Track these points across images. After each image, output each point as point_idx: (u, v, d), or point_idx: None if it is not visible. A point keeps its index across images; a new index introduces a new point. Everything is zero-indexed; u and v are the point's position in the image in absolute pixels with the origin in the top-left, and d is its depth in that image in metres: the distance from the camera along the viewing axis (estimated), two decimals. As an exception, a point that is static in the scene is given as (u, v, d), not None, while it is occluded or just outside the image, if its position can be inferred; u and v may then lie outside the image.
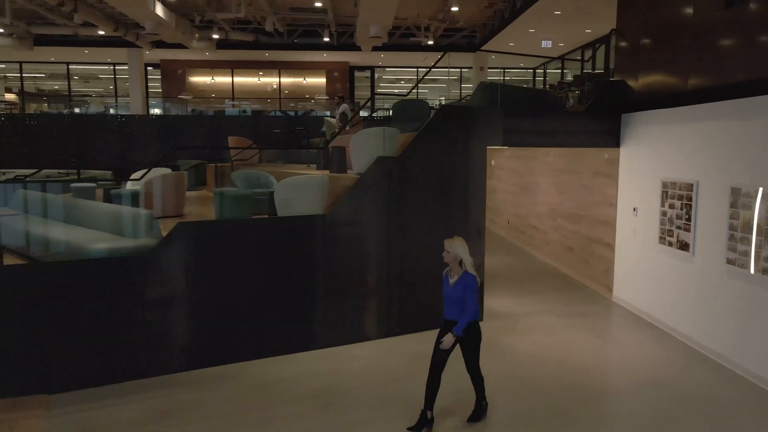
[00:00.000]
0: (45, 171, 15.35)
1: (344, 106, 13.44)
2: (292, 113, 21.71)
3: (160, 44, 19.00)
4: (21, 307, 5.26)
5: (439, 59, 17.45)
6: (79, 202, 6.94)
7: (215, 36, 17.58)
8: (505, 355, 6.53)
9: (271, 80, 22.85)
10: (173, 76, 21.95)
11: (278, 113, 21.81)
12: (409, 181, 7.09)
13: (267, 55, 20.69)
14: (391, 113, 12.61)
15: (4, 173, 16.44)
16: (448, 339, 4.59)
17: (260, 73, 22.76)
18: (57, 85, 30.42)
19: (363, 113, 18.35)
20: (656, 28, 7.75)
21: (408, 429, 4.70)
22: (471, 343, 4.75)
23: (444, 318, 4.80)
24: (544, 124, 8.10)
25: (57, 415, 4.97)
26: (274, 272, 6.33)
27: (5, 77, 27.92)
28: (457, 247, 4.68)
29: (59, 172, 16.76)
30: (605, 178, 9.03)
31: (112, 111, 23.86)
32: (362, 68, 23.37)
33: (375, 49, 18.10)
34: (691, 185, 6.76)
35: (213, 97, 22.80)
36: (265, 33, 19.15)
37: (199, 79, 22.45)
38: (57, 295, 5.36)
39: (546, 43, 17.39)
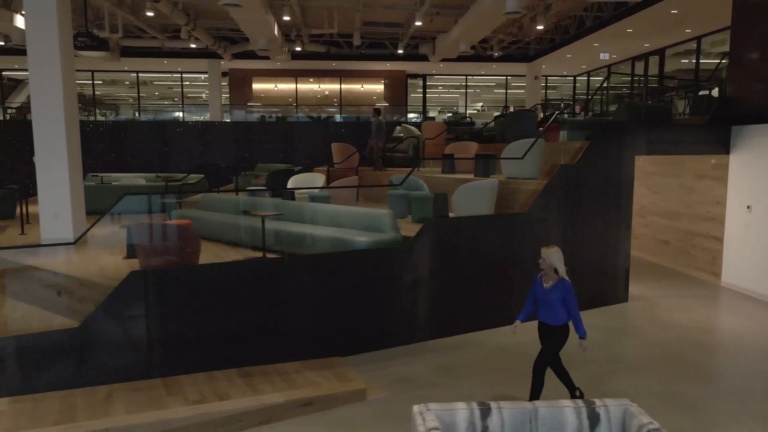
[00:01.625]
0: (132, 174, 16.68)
1: (379, 119, 14.19)
2: (355, 119, 23.03)
3: (238, 55, 20.28)
4: (309, 288, 6.56)
5: (478, 68, 18.82)
6: (317, 206, 8.24)
7: (298, 48, 18.87)
8: (668, 329, 7.96)
9: (330, 87, 24.16)
10: (240, 84, 23.18)
11: (343, 118, 23.08)
12: (580, 184, 8.50)
13: (334, 64, 22.01)
14: (493, 124, 13.93)
15: (100, 176, 17.66)
16: (585, 345, 5.12)
17: (310, 80, 24.06)
18: (112, 91, 31.56)
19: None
20: (770, 54, 9.24)
21: None
22: (559, 338, 5.16)
23: (538, 319, 5.26)
24: (672, 135, 9.56)
25: (366, 371, 6.31)
26: (489, 261, 7.71)
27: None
28: (553, 256, 5.09)
29: (157, 176, 18.03)
30: (712, 180, 10.51)
31: (178, 116, 25.05)
32: (415, 76, 24.74)
33: (444, 60, 19.51)
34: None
35: (294, 104, 23.96)
36: (336, 44, 20.52)
37: (263, 87, 23.70)
38: (331, 279, 6.67)
39: (604, 55, 18.89)
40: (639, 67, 19.94)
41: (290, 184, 11.46)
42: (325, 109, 24.33)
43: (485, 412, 3.76)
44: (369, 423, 5.19)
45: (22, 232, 10.02)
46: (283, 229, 7.79)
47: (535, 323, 5.38)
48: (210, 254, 7.60)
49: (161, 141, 20.44)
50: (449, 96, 30.43)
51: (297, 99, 23.76)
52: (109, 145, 20.26)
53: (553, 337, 5.14)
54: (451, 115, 27.02)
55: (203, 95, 30.48)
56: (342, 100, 24.19)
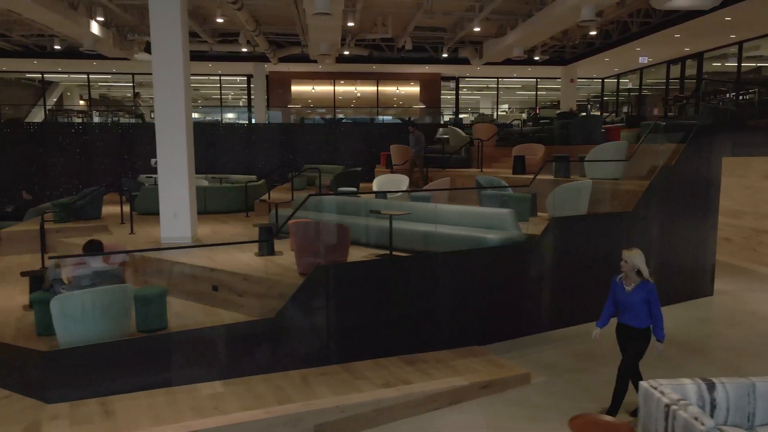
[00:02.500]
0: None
1: (418, 134, 14.45)
2: (394, 120, 23.53)
3: (283, 58, 20.72)
4: (452, 282, 7.05)
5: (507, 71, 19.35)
6: (440, 206, 8.72)
7: (346, 52, 19.33)
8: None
9: (366, 89, 24.65)
10: (280, 86, 23.61)
11: (384, 120, 23.55)
12: (676, 185, 9.04)
13: (374, 67, 22.50)
14: (557, 127, 14.43)
15: (153, 178, 18.03)
16: (661, 348, 5.10)
17: (341, 82, 24.54)
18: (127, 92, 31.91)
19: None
20: None
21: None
22: (644, 344, 5.12)
23: (619, 322, 5.25)
24: (756, 137, 10.13)
25: (510, 358, 6.81)
26: (602, 257, 8.23)
27: (79, 85, 29.39)
28: (635, 258, 5.07)
29: (213, 177, 18.44)
30: (781, 180, 11.12)
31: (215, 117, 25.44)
32: (448, 78, 25.27)
33: (486, 63, 20.04)
34: None
35: (332, 106, 24.38)
36: (378, 47, 21.02)
37: (301, 89, 24.14)
38: (468, 274, 7.16)
39: (643, 59, 19.48)
40: (674, 70, 20.56)
41: (375, 184, 11.95)
42: (363, 110, 24.80)
43: (711, 387, 4.28)
44: (543, 402, 5.70)
45: (132, 232, 10.46)
46: (405, 228, 8.27)
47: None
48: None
49: (207, 142, 20.84)
50: (472, 98, 31.01)
51: (335, 101, 24.22)
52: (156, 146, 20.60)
53: (638, 342, 5.09)
54: (476, 116, 27.59)
55: (229, 96, 30.97)
56: (386, 103, 24.71)
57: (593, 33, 16.20)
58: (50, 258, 5.93)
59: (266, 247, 8.35)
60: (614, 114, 25.12)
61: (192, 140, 9.70)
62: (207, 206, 13.31)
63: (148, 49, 18.52)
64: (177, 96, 9.25)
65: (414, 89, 24.68)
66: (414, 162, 14.79)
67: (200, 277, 7.46)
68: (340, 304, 6.23)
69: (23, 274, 7.48)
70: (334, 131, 21.67)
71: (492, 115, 28.09)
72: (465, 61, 20.98)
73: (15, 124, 21.23)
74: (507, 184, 10.89)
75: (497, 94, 26.13)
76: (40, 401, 4.90)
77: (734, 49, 17.44)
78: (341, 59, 21.16)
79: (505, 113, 27.73)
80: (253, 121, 22.91)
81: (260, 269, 7.30)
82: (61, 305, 5.35)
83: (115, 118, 23.96)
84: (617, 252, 5.19)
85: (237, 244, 8.56)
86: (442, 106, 25.30)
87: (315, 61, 20.20)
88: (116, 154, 20.39)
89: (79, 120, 24.15)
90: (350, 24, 15.33)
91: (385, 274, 6.60)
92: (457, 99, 25.78)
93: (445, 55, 20.05)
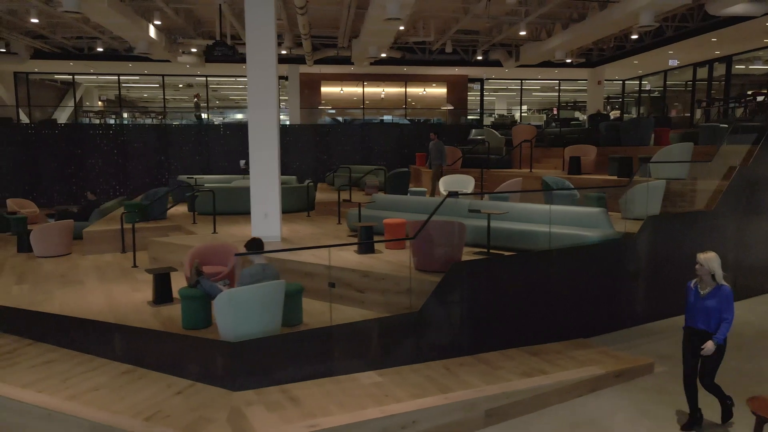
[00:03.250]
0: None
1: (439, 142, 13.96)
2: (423, 121, 23.88)
3: (318, 60, 20.99)
4: (558, 277, 7.43)
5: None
6: (532, 206, 9.08)
7: (383, 55, 19.65)
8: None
9: (393, 90, 24.98)
10: (309, 87, 23.88)
11: (412, 121, 23.88)
12: (752, 184, 9.47)
13: (405, 69, 22.84)
14: (603, 129, 14.81)
15: (194, 178, 18.29)
16: (710, 346, 4.94)
17: (364, 84, 24.88)
18: (146, 93, 32.10)
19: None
20: None
21: (681, 429, 5.23)
22: (718, 353, 5.02)
23: (689, 326, 5.23)
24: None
25: (622, 349, 7.18)
26: (689, 252, 8.62)
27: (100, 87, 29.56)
28: (711, 262, 5.00)
29: (244, 178, 18.68)
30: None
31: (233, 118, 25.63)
32: (473, 80, 25.66)
33: (520, 66, 20.45)
34: None
35: (363, 108, 24.68)
36: (410, 50, 21.36)
37: (329, 90, 24.43)
38: (572, 269, 7.53)
39: (673, 62, 19.97)
40: (701, 73, 21.07)
41: (441, 184, 12.30)
42: (392, 111, 25.13)
43: None
44: (674, 389, 6.07)
45: (214, 231, 10.74)
46: (498, 226, 8.62)
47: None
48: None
49: (243, 143, 21.06)
50: (487, 99, 31.45)
51: (364, 102, 24.53)
52: (193, 147, 20.87)
53: (715, 351, 4.98)
54: (496, 117, 28.01)
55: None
56: (414, 104, 25.06)
57: (635, 37, 16.63)
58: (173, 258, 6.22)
59: (368, 246, 8.68)
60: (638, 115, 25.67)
61: (278, 146, 9.99)
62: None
63: (189, 51, 18.77)
64: (269, 100, 9.55)
65: (439, 90, 25.06)
66: (438, 173, 13.84)
67: (315, 275, 7.77)
68: (473, 298, 6.57)
69: (149, 271, 7.76)
70: (367, 132, 21.99)
71: (512, 116, 28.55)
72: (496, 64, 21.38)
73: (50, 124, 21.37)
74: (571, 185, 11.30)
75: (520, 95, 26.56)
76: (225, 389, 5.20)
77: (761, 53, 17.99)
78: (374, 61, 21.49)
79: (526, 114, 28.15)
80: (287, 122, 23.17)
81: (376, 266, 7.62)
82: (230, 299, 5.65)
83: (147, 119, 24.20)
84: (700, 250, 5.20)
85: (354, 244, 8.81)
86: (469, 108, 25.68)
87: (346, 63, 20.55)
88: (153, 155, 20.59)
89: (98, 121, 24.34)
90: (401, 28, 15.66)
91: (506, 269, 6.96)
92: (481, 100, 26.18)
93: (479, 58, 20.42)
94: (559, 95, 26.88)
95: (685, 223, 8.70)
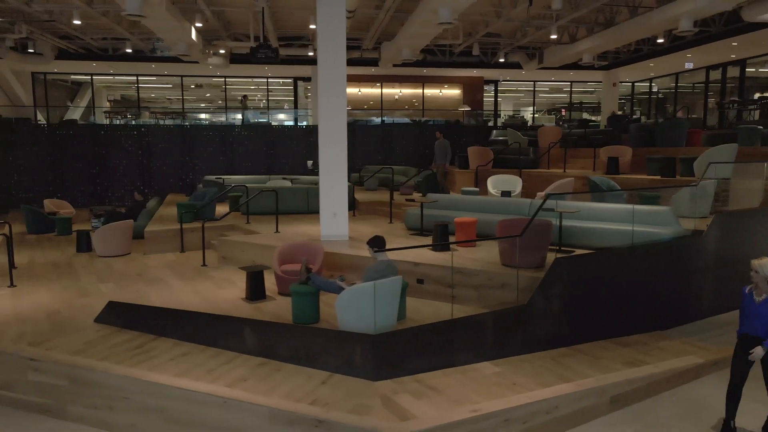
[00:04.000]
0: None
1: (444, 141, 14.36)
2: (443, 122, 24.20)
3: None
4: (637, 272, 7.78)
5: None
6: (601, 205, 9.44)
7: (415, 57, 19.92)
8: None
9: (410, 92, 25.30)
10: (328, 88, 24.06)
11: (434, 122, 24.20)
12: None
13: (425, 71, 23.15)
14: (634, 130, 15.27)
15: (223, 179, 18.47)
16: (758, 351, 4.88)
17: (376, 85, 25.18)
18: (153, 93, 32.10)
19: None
20: None
21: None
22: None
23: (743, 332, 5.14)
24: None
25: (701, 340, 7.56)
26: (754, 248, 9.05)
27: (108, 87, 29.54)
28: (766, 268, 4.95)
29: (284, 178, 18.89)
30: None
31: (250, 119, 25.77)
32: (488, 81, 26.05)
33: (541, 68, 20.87)
34: None
35: (382, 109, 24.91)
36: (431, 52, 21.66)
37: (347, 91, 24.65)
38: (648, 264, 7.90)
39: (689, 65, 20.53)
40: (713, 75, 21.67)
41: (489, 184, 12.63)
42: (407, 112, 25.43)
43: None
44: (766, 377, 6.46)
45: (277, 231, 10.96)
46: (570, 225, 8.97)
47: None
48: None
49: (267, 143, 21.26)
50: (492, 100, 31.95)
51: (382, 103, 24.81)
52: (218, 148, 20.98)
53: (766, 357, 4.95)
54: (506, 119, 28.44)
55: (257, 98, 31.36)
56: (429, 105, 25.39)
57: (660, 41, 17.12)
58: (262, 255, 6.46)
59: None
60: (646, 116, 26.27)
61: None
62: (310, 206, 13.83)
63: (218, 53, 18.89)
64: (339, 102, 9.82)
65: (452, 92, 25.42)
66: (442, 173, 14.23)
67: (405, 272, 8.04)
68: (571, 292, 6.90)
69: (243, 269, 7.98)
70: (388, 133, 22.27)
71: (522, 117, 29.04)
72: (515, 66, 21.79)
73: (70, 125, 21.34)
74: (617, 185, 11.70)
75: (533, 97, 27.02)
76: (365, 380, 5.47)
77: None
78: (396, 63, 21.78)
79: (537, 115, 28.62)
80: (301, 123, 23.36)
81: (462, 263, 7.92)
82: (358, 294, 5.92)
83: (166, 120, 24.22)
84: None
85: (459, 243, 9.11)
86: (484, 110, 26.08)
87: (368, 65, 20.83)
88: (177, 155, 20.66)
89: (119, 121, 24.33)
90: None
91: (597, 265, 7.29)
92: (495, 101, 26.59)
93: (501, 60, 20.81)
94: (570, 97, 27.38)
95: (749, 219, 9.12)
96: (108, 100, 31.02)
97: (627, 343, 7.19)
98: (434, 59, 21.93)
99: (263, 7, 14.06)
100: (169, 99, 31.56)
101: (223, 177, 19.24)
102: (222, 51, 18.82)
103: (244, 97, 23.36)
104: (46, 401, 5.52)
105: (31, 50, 18.19)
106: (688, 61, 20.31)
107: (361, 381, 5.45)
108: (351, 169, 21.63)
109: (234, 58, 20.59)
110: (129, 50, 18.68)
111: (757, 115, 19.48)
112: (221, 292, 8.27)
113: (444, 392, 5.32)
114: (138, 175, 20.50)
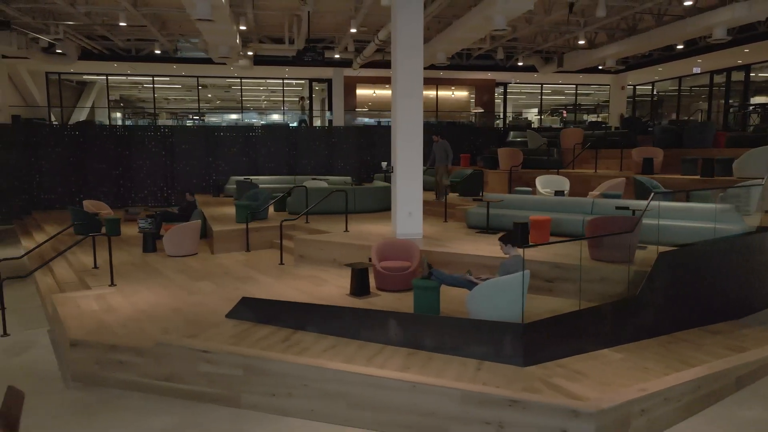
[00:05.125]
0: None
1: (443, 142, 14.06)
2: (456, 122, 24.75)
3: (366, 64, 21.57)
4: (715, 265, 8.39)
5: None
6: (669, 204, 10.03)
7: (447, 61, 20.36)
8: None
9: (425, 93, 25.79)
10: (346, 90, 24.39)
11: (442, 122, 24.72)
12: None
13: (441, 74, 23.66)
14: (658, 132, 16.02)
15: (250, 179, 18.70)
16: None
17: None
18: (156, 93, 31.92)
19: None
20: None
21: None
22: None
23: None
24: None
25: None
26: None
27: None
28: None
29: (313, 179, 19.19)
30: None
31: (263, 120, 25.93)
32: (499, 84, 26.70)
33: (559, 71, 21.58)
34: None
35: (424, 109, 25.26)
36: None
37: (363, 93, 25.03)
38: (725, 258, 8.53)
39: (696, 69, 21.47)
40: (716, 79, 22.67)
41: (538, 184, 13.18)
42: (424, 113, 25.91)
43: None
44: None
45: (346, 230, 11.30)
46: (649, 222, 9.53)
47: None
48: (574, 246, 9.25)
49: (289, 145, 21.49)
50: (497, 102, 32.66)
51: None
52: (241, 149, 21.13)
53: None
54: (511, 120, 29.17)
55: (261, 99, 31.49)
56: (443, 107, 25.92)
57: (680, 47, 17.93)
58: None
59: (523, 240, 9.47)
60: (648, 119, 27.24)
61: (420, 144, 10.63)
62: (357, 206, 14.18)
63: (246, 55, 19.07)
64: (415, 107, 10.20)
65: (463, 93, 26.00)
66: (442, 174, 14.07)
67: (492, 267, 8.50)
68: (670, 284, 7.45)
69: (349, 265, 8.34)
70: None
71: (526, 118, 29.79)
72: (530, 69, 22.47)
73: (87, 126, 21.25)
74: (660, 185, 12.35)
75: (540, 98, 27.77)
76: (515, 366, 5.90)
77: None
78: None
79: (544, 117, 29.39)
80: (312, 123, 23.64)
81: (559, 260, 8.41)
82: (496, 287, 6.36)
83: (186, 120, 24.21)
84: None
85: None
86: (496, 111, 26.71)
87: (386, 67, 21.19)
88: (201, 156, 20.74)
89: (139, 122, 24.28)
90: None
91: (689, 259, 7.86)
92: (505, 103, 27.26)
93: (520, 63, 21.44)
94: (576, 98, 28.21)
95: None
96: (109, 100, 30.86)
97: (715, 330, 7.76)
98: (452, 62, 22.43)
99: (309, 11, 14.37)
100: (167, 99, 31.43)
101: (251, 177, 19.45)
102: (250, 53, 19.00)
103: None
104: (218, 391, 5.81)
105: (59, 51, 18.10)
106: (697, 65, 21.23)
107: (511, 367, 5.88)
108: (370, 168, 22.11)
109: (256, 60, 20.80)
110: (158, 51, 18.72)
111: (757, 119, 20.56)
112: (321, 289, 8.60)
113: (589, 375, 5.78)
114: (161, 176, 20.52)
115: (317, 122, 25.84)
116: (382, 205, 14.34)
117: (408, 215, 10.31)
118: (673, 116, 25.12)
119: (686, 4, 12.82)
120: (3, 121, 19.52)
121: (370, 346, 6.31)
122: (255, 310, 6.98)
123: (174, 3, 14.35)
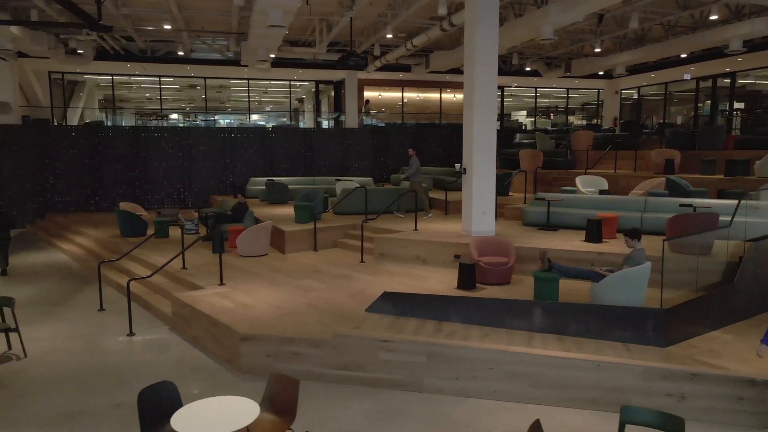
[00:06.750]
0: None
1: (416, 158, 13.64)
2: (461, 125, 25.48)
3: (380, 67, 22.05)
4: None
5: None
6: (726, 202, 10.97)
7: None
8: None
9: (427, 95, 26.48)
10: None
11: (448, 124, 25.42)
12: None
13: (448, 77, 24.36)
14: (669, 135, 17.20)
15: (273, 180, 18.99)
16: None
17: (395, 89, 26.30)
18: (147, 93, 31.50)
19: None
20: None
21: None
22: None
23: None
24: None
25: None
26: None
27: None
28: None
29: (337, 179, 19.57)
30: None
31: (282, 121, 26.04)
32: (499, 86, 27.61)
33: (566, 76, 22.65)
34: None
35: (403, 112, 25.80)
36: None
37: (370, 95, 25.47)
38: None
39: (687, 76, 22.94)
40: (702, 85, 24.25)
41: (578, 183, 14.04)
42: (425, 115, 26.56)
43: None
44: None
45: (415, 228, 11.82)
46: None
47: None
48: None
49: (305, 146, 21.75)
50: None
51: (403, 106, 25.81)
52: (257, 150, 21.26)
53: None
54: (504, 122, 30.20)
55: (257, 100, 31.51)
56: (447, 109, 26.63)
57: (684, 55, 19.23)
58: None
59: (597, 236, 10.26)
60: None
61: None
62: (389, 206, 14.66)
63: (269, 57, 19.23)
64: (491, 116, 10.82)
65: (461, 96, 26.83)
66: (421, 191, 13.82)
67: (582, 261, 9.24)
68: (754, 273, 8.35)
69: (457, 258, 8.90)
70: (418, 134, 23.31)
71: (516, 120, 30.91)
72: (533, 73, 23.48)
73: (96, 126, 20.93)
74: (689, 184, 13.39)
75: (535, 101, 28.89)
76: (653, 346, 6.61)
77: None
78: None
79: (542, 120, 30.52)
80: (322, 125, 23.98)
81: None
82: (626, 278, 7.07)
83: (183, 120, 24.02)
84: None
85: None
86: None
87: (396, 70, 21.84)
88: (217, 157, 20.76)
89: (154, 123, 24.02)
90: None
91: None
92: (502, 106, 28.24)
93: (528, 69, 22.41)
94: (567, 102, 29.46)
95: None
96: (99, 100, 30.29)
97: (758, 323, 8.70)
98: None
99: (351, 17, 14.78)
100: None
101: (273, 178, 19.67)
102: (273, 55, 19.18)
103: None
104: (398, 377, 6.28)
105: (80, 51, 17.85)
106: (688, 72, 22.69)
107: (654, 348, 6.59)
108: (383, 169, 22.63)
109: (277, 62, 20.99)
110: (181, 53, 18.70)
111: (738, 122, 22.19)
112: (425, 284, 9.10)
113: (722, 354, 6.55)
114: (178, 177, 20.44)
115: (324, 124, 26.14)
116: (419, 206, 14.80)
117: (482, 214, 10.93)
118: (655, 119, 26.72)
119: (712, 18, 13.94)
120: (14, 122, 19.04)
121: (518, 334, 6.90)
122: (396, 304, 7.45)
123: (215, 7, 14.52)
